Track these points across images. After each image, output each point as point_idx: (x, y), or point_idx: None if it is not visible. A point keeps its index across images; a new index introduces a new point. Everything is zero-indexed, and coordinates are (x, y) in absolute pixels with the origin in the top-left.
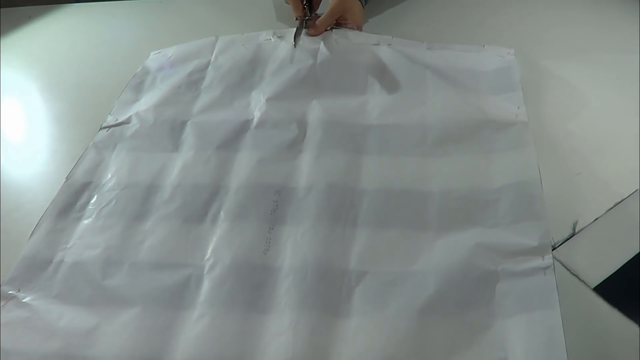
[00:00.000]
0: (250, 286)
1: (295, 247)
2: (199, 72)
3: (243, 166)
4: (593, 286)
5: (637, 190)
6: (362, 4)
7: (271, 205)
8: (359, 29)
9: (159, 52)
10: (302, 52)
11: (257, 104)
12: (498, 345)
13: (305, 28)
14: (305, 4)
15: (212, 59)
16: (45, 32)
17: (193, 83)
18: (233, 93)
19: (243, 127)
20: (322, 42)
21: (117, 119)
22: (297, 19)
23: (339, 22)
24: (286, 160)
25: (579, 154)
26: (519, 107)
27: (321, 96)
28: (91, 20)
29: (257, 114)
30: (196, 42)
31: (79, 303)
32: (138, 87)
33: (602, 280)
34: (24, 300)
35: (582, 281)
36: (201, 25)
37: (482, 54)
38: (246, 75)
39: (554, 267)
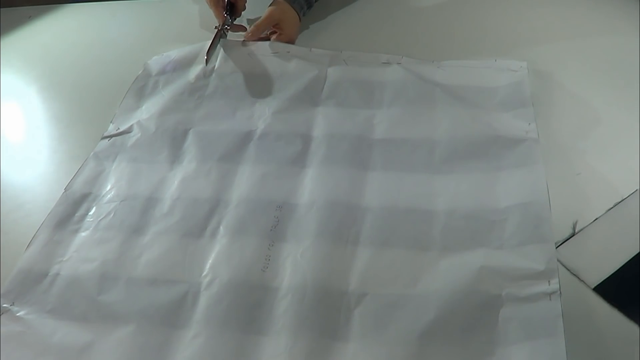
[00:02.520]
0: (247, 306)
1: (294, 266)
2: (202, 79)
3: (245, 180)
4: (593, 286)
5: (637, 190)
6: (299, 15)
7: (272, 221)
8: (291, 41)
9: (162, 55)
10: (310, 67)
11: (261, 116)
12: None
13: (223, 38)
14: (226, 13)
15: (216, 65)
16: (45, 32)
17: (196, 90)
18: (237, 104)
19: (246, 139)
20: (329, 59)
21: (118, 128)
22: (215, 28)
23: (272, 30)
24: (289, 175)
25: (579, 154)
26: (529, 124)
27: (327, 111)
28: (91, 20)
29: (260, 126)
30: (199, 45)
31: (73, 318)
32: (140, 92)
33: (602, 280)
34: (18, 314)
35: (582, 281)
36: (201, 25)
37: (494, 69)
38: (251, 87)
39: (560, 293)
